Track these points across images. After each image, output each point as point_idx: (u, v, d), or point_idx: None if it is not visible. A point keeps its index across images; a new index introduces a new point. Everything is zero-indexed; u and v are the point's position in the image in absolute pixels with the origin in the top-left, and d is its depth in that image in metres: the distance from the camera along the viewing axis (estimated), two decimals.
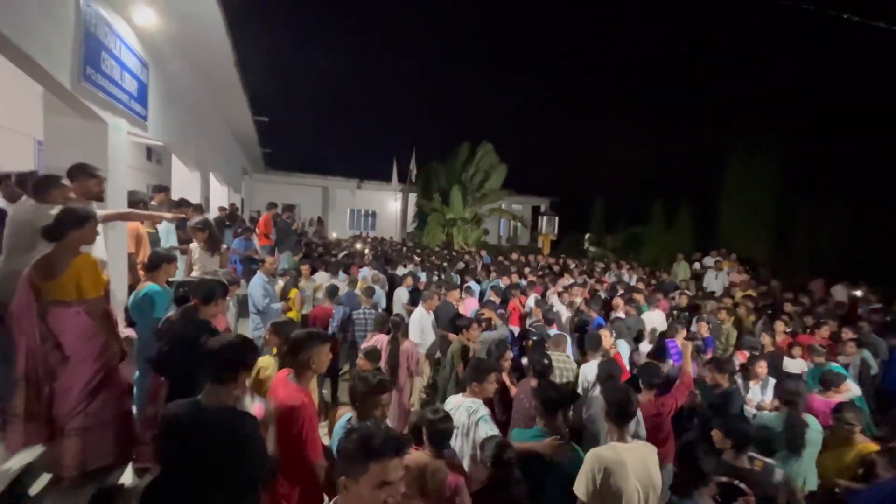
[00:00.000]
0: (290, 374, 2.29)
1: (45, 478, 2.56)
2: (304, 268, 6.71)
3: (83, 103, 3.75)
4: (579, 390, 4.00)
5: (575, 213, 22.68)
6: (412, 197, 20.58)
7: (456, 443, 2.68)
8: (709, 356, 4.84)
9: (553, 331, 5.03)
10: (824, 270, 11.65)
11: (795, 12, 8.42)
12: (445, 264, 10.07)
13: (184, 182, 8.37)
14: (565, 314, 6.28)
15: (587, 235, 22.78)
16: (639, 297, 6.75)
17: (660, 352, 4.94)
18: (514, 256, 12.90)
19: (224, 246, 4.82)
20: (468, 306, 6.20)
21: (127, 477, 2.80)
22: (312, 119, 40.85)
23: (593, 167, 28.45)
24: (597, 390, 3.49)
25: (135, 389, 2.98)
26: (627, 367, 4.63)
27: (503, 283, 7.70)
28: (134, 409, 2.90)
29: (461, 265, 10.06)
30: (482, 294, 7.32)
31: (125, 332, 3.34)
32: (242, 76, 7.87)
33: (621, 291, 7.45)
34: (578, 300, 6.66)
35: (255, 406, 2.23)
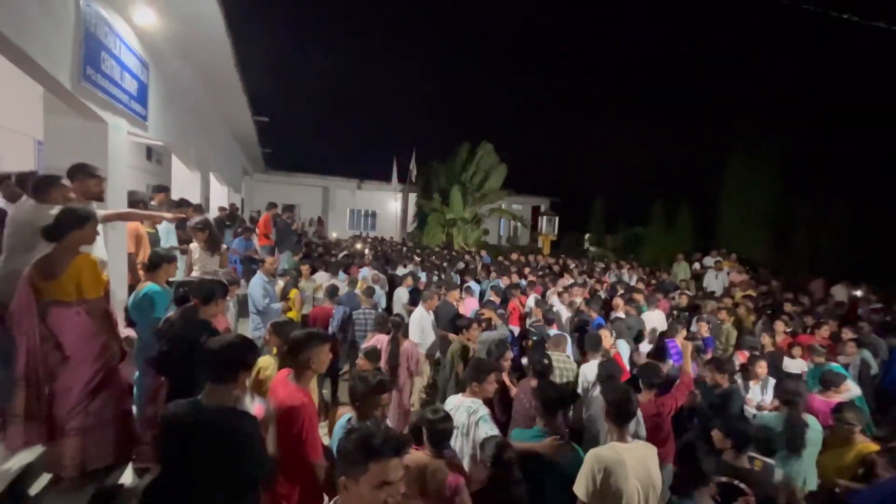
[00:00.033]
0: (289, 374, 2.29)
1: (45, 478, 2.56)
2: (304, 268, 6.71)
3: (83, 103, 3.75)
4: (579, 390, 4.00)
5: (575, 214, 22.73)
6: (412, 197, 20.59)
7: (456, 443, 2.68)
8: (709, 356, 4.84)
9: (553, 331, 5.03)
10: (824, 270, 11.65)
11: (795, 12, 8.43)
12: (445, 264, 10.08)
13: (184, 182, 8.37)
14: (565, 314, 6.28)
15: (587, 235, 22.79)
16: (639, 297, 6.75)
17: (660, 352, 4.94)
18: (514, 257, 12.90)
19: (224, 246, 4.82)
20: (468, 306, 6.20)
21: (127, 477, 2.80)
22: (312, 119, 40.92)
23: (593, 167, 28.51)
24: (597, 390, 3.49)
25: (135, 389, 2.98)
26: (627, 368, 4.63)
27: (503, 283, 7.70)
28: (134, 409, 2.90)
29: (461, 265, 10.06)
30: (482, 294, 7.32)
31: (125, 332, 3.34)
32: (242, 76, 7.87)
33: (621, 291, 7.45)
34: (578, 300, 6.67)
35: (255, 406, 2.23)
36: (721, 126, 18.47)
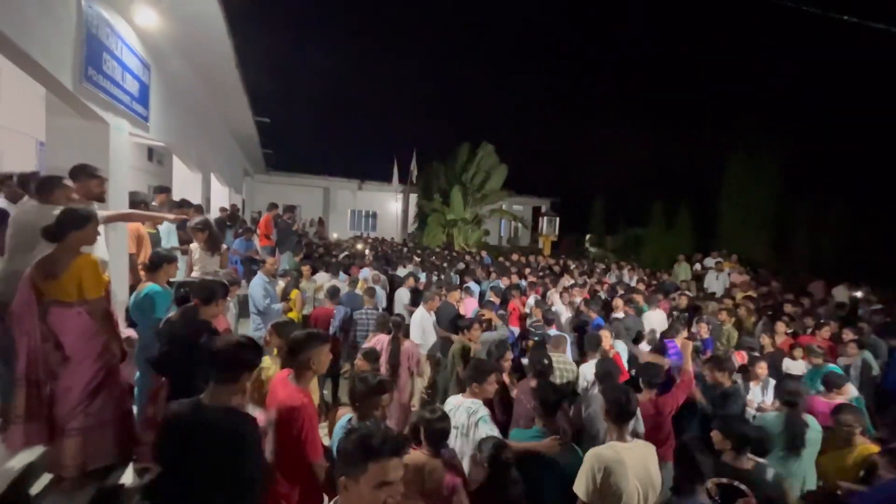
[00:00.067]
0: (289, 374, 2.29)
1: (46, 477, 2.56)
2: (305, 268, 6.71)
3: (85, 104, 3.76)
4: (579, 391, 4.00)
5: (575, 214, 22.73)
6: (413, 198, 20.59)
7: (456, 443, 2.68)
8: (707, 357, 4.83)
9: (553, 331, 5.04)
10: (824, 271, 11.65)
11: (795, 13, 8.43)
12: (445, 265, 10.08)
13: (185, 183, 8.39)
14: (565, 315, 6.28)
15: (588, 236, 22.77)
16: (638, 298, 6.75)
17: (659, 352, 4.93)
18: (515, 257, 12.90)
19: (224, 246, 4.82)
20: (468, 307, 6.20)
21: (127, 477, 2.81)
22: (313, 120, 40.98)
23: (594, 167, 28.52)
24: (595, 389, 3.49)
25: (135, 390, 2.99)
26: (626, 368, 4.62)
27: (503, 283, 7.71)
28: (134, 409, 2.91)
29: (461, 266, 10.06)
30: (482, 295, 7.33)
31: (126, 332, 3.34)
32: (243, 77, 7.89)
33: (621, 292, 7.46)
34: (578, 300, 6.67)
35: (255, 415, 2.23)
36: (721, 126, 18.50)
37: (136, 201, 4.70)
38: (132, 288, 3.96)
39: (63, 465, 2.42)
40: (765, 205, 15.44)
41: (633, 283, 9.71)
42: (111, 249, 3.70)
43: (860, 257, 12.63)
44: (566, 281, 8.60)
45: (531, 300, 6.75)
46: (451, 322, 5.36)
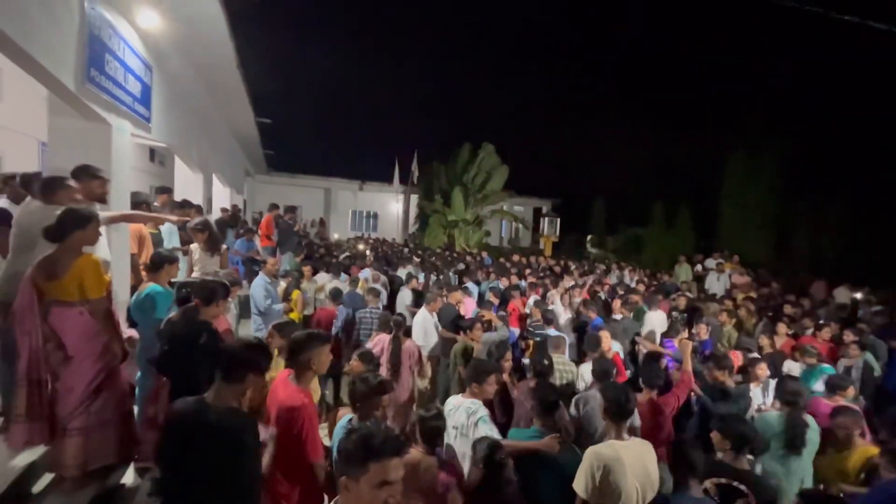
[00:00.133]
0: (290, 374, 2.30)
1: (47, 477, 2.58)
2: (306, 269, 6.72)
3: (87, 105, 3.78)
4: (578, 391, 4.00)
5: (576, 215, 22.72)
6: (414, 198, 20.58)
7: (455, 443, 2.69)
8: None
9: (552, 331, 5.04)
10: (824, 271, 11.63)
11: (795, 13, 8.44)
12: (444, 265, 10.08)
13: (186, 183, 8.41)
14: (565, 315, 6.28)
15: (588, 237, 22.76)
16: (636, 299, 6.74)
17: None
18: (516, 258, 12.91)
19: (224, 246, 4.83)
20: (467, 307, 6.21)
21: (128, 477, 2.82)
22: (314, 120, 41.04)
23: (594, 168, 28.52)
24: (593, 387, 3.49)
25: (136, 390, 3.00)
26: (624, 369, 4.63)
27: (502, 284, 7.71)
28: (135, 409, 2.92)
29: (461, 266, 10.06)
30: (481, 296, 7.33)
31: (127, 332, 3.35)
32: (245, 78, 7.90)
33: (621, 293, 7.45)
34: (578, 300, 6.67)
35: (259, 429, 2.24)
36: (721, 126, 18.52)
37: (137, 202, 4.71)
38: (134, 288, 3.97)
39: (64, 464, 2.43)
40: (765, 205, 15.42)
41: (633, 284, 9.71)
42: (113, 250, 3.71)
43: (861, 258, 12.61)
44: (567, 282, 8.60)
45: (531, 301, 6.75)
46: (451, 322, 5.37)
